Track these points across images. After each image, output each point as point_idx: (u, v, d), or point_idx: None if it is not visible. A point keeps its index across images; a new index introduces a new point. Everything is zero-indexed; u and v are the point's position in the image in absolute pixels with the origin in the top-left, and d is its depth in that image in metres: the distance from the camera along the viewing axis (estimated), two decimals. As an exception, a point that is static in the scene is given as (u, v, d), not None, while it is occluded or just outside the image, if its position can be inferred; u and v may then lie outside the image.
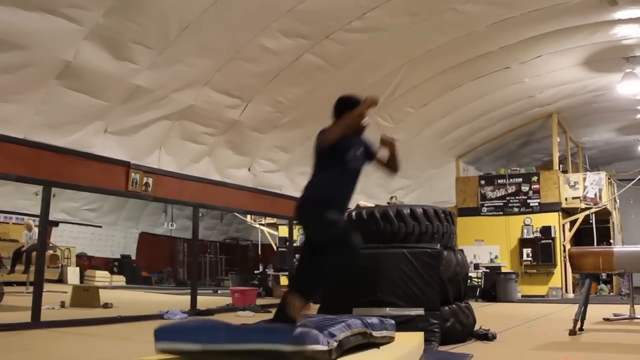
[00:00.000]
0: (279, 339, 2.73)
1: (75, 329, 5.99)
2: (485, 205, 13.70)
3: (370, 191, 10.86)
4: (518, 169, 14.14)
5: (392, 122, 10.00)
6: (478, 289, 11.79)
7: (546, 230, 12.87)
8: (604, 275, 13.02)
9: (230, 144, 8.52)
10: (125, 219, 16.84)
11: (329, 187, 3.40)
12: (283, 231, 13.82)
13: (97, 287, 9.77)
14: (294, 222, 3.79)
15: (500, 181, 13.66)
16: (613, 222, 14.93)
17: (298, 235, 13.86)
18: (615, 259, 5.58)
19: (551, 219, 13.01)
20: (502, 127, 13.23)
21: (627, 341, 5.22)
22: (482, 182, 13.86)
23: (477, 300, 11.14)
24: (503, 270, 12.49)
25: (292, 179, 9.95)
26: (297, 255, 13.35)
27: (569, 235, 13.16)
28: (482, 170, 15.08)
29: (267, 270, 13.82)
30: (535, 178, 13.35)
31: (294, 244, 10.90)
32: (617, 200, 15.33)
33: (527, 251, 12.98)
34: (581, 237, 14.15)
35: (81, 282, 13.71)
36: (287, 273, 11.48)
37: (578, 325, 5.54)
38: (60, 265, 13.72)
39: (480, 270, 12.31)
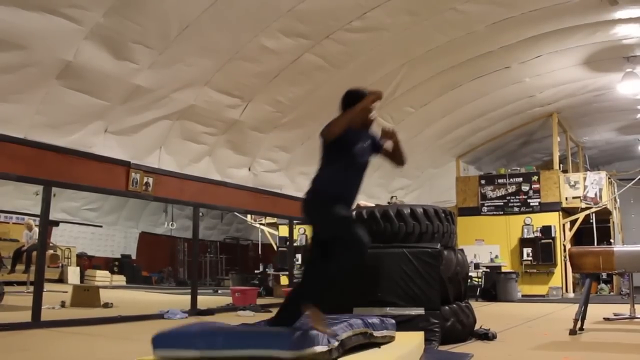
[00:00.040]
0: (278, 344, 2.71)
1: (76, 329, 6.00)
2: (486, 204, 13.70)
3: (370, 191, 10.86)
4: (518, 168, 14.15)
5: (393, 121, 9.99)
6: (478, 289, 11.80)
7: (546, 230, 12.87)
8: (604, 275, 13.02)
9: (231, 143, 8.53)
10: (126, 218, 16.85)
11: (336, 181, 3.35)
12: (283, 231, 13.83)
13: (97, 286, 9.77)
14: (302, 217, 3.67)
15: (500, 181, 13.66)
16: (613, 222, 14.93)
17: (298, 234, 13.90)
18: (616, 259, 5.58)
19: (551, 219, 13.01)
20: (503, 126, 13.24)
21: (627, 341, 5.22)
22: (483, 181, 13.86)
23: (477, 300, 11.14)
24: (503, 269, 12.50)
25: (293, 179, 9.96)
26: (298, 255, 13.44)
27: (569, 234, 13.16)
28: (483, 170, 15.08)
29: (267, 269, 13.83)
30: (535, 178, 13.35)
31: (294, 244, 10.90)
32: (618, 200, 15.33)
33: (527, 251, 12.98)
34: (581, 236, 14.15)
35: (81, 281, 13.71)
36: (287, 273, 11.47)
37: (578, 325, 5.54)
38: (60, 265, 13.72)
39: (481, 270, 12.31)
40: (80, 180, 6.69)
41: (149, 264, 17.25)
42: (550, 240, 12.78)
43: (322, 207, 3.31)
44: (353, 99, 3.46)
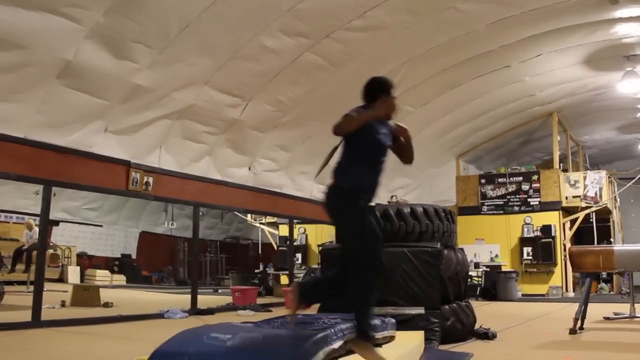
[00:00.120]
0: None
1: (76, 328, 6.00)
2: (486, 204, 13.70)
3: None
4: (518, 167, 14.15)
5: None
6: (478, 288, 11.80)
7: (546, 229, 12.87)
8: (604, 274, 13.00)
9: (231, 143, 8.52)
10: (126, 218, 16.84)
11: (358, 172, 3.26)
12: (283, 230, 13.84)
13: (97, 286, 9.76)
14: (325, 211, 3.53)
15: (500, 180, 13.66)
16: (613, 221, 14.93)
17: (298, 234, 13.91)
18: (616, 258, 5.58)
19: (551, 218, 13.01)
20: (503, 125, 13.24)
21: (627, 340, 5.22)
22: (483, 180, 13.86)
23: (477, 299, 11.15)
24: (503, 269, 12.51)
25: (293, 178, 9.96)
26: (298, 255, 13.44)
27: (569, 234, 13.16)
28: (483, 169, 15.08)
29: (267, 269, 13.84)
30: (535, 177, 13.34)
31: (295, 243, 10.91)
32: (618, 199, 15.34)
33: (527, 250, 12.98)
34: (581, 236, 14.14)
35: (82, 281, 13.70)
36: (287, 272, 11.47)
37: (578, 324, 5.54)
38: (60, 264, 13.72)
39: (481, 269, 12.32)
40: (80, 180, 6.69)
41: (149, 263, 17.25)
42: (550, 240, 12.78)
43: (344, 203, 3.22)
44: (378, 88, 3.42)
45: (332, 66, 8.05)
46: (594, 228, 13.69)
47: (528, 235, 13.09)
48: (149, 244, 17.53)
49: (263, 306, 8.63)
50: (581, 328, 5.60)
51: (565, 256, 12.20)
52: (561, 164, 13.91)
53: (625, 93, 11.24)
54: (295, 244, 12.50)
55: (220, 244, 19.35)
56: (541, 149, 15.63)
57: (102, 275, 14.40)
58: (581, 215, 13.11)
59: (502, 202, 13.54)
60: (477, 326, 5.44)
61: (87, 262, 15.40)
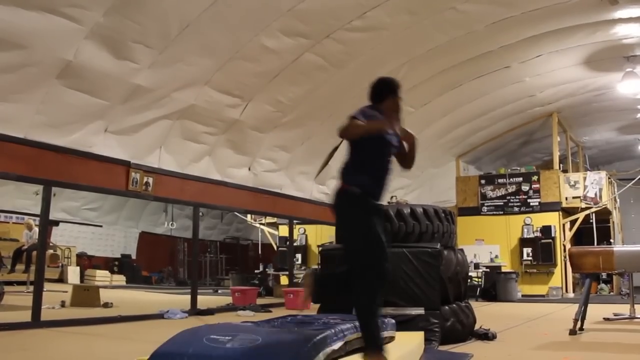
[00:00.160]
0: None
1: (76, 329, 6.00)
2: (486, 204, 13.70)
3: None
4: (518, 168, 14.15)
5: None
6: (478, 289, 11.80)
7: (546, 230, 12.87)
8: (604, 275, 13.02)
9: (231, 143, 8.52)
10: (126, 218, 16.84)
11: (366, 173, 3.20)
12: (283, 230, 13.84)
13: (97, 286, 9.76)
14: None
15: (500, 180, 13.66)
16: (613, 222, 14.92)
17: (298, 234, 13.91)
18: (616, 259, 5.58)
19: (551, 219, 13.01)
20: (503, 126, 13.24)
21: (627, 341, 5.22)
22: (483, 181, 13.86)
23: (477, 300, 11.15)
24: (503, 269, 12.50)
25: (293, 179, 9.95)
26: (298, 255, 13.44)
27: (569, 234, 13.16)
28: (483, 170, 15.08)
29: (267, 269, 13.84)
30: (535, 177, 13.35)
31: (294, 244, 10.91)
32: (618, 200, 15.33)
33: (527, 251, 12.98)
34: (581, 236, 14.14)
35: (81, 281, 13.71)
36: (287, 272, 11.47)
37: (578, 325, 5.54)
38: (60, 264, 13.72)
39: (481, 270, 12.31)
40: (80, 180, 6.69)
41: (149, 263, 17.25)
42: (550, 240, 12.78)
43: (349, 207, 3.16)
44: (386, 89, 3.38)
45: (332, 66, 8.05)
46: (593, 229, 13.70)
47: (528, 236, 13.09)
48: (148, 244, 17.53)
49: (263, 307, 8.62)
50: (581, 329, 5.60)
51: (565, 257, 12.20)
52: (561, 165, 13.92)
53: (625, 94, 11.24)
54: (295, 244, 12.49)
55: (220, 245, 19.36)
56: (541, 150, 15.63)
57: (102, 276, 14.41)
58: (581, 216, 13.12)
59: (502, 203, 13.54)
60: (477, 327, 5.44)
61: (87, 262, 15.40)
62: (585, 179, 13.25)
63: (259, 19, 6.75)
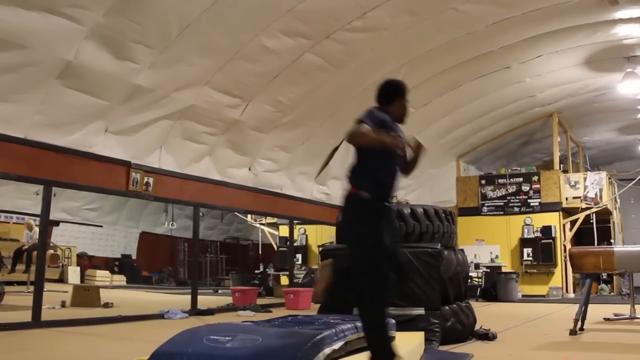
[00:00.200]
0: None
1: (76, 329, 6.00)
2: (486, 205, 13.70)
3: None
4: (518, 168, 14.15)
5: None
6: (478, 289, 11.80)
7: (547, 230, 12.87)
8: (604, 275, 13.02)
9: (231, 143, 8.52)
10: (126, 218, 16.85)
11: (375, 176, 3.14)
12: (283, 231, 13.84)
13: (97, 286, 9.76)
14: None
15: (500, 181, 13.66)
16: (614, 222, 14.92)
17: (299, 234, 13.91)
18: (616, 259, 5.58)
19: (552, 219, 13.01)
20: (503, 126, 13.24)
21: (627, 341, 5.22)
22: (483, 181, 13.86)
23: (477, 300, 11.15)
24: (503, 270, 12.50)
25: (293, 179, 9.95)
26: (298, 255, 13.44)
27: (569, 235, 13.16)
28: (483, 170, 15.08)
29: (267, 269, 13.83)
30: (535, 178, 13.34)
31: (295, 244, 10.90)
32: (618, 200, 15.32)
33: (527, 251, 12.98)
34: (582, 237, 14.14)
35: (82, 281, 13.70)
36: (287, 273, 11.47)
37: (578, 325, 5.54)
38: (60, 264, 13.71)
39: (481, 270, 12.32)
40: (80, 180, 6.69)
41: (149, 263, 17.25)
42: (551, 241, 12.78)
43: (355, 209, 3.10)
44: (393, 91, 3.33)
45: (332, 67, 8.05)
46: (594, 229, 13.69)
47: (528, 236, 13.10)
48: (149, 244, 17.53)
49: (263, 307, 8.62)
50: (581, 329, 5.60)
51: (565, 257, 12.20)
52: (561, 165, 13.92)
53: (626, 94, 11.24)
54: (295, 244, 12.49)
55: (220, 245, 19.36)
56: (541, 150, 15.63)
57: (102, 276, 14.41)
58: (581, 216, 13.11)
59: (502, 203, 13.54)
60: (477, 327, 5.44)
61: (87, 262, 15.40)
62: (585, 179, 13.25)
63: (259, 19, 6.75)
